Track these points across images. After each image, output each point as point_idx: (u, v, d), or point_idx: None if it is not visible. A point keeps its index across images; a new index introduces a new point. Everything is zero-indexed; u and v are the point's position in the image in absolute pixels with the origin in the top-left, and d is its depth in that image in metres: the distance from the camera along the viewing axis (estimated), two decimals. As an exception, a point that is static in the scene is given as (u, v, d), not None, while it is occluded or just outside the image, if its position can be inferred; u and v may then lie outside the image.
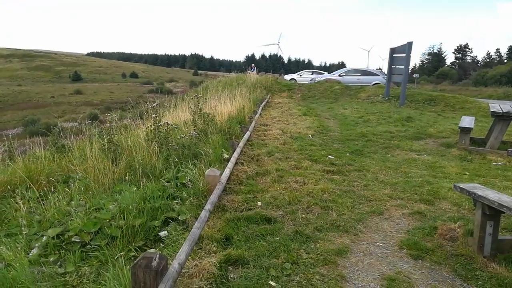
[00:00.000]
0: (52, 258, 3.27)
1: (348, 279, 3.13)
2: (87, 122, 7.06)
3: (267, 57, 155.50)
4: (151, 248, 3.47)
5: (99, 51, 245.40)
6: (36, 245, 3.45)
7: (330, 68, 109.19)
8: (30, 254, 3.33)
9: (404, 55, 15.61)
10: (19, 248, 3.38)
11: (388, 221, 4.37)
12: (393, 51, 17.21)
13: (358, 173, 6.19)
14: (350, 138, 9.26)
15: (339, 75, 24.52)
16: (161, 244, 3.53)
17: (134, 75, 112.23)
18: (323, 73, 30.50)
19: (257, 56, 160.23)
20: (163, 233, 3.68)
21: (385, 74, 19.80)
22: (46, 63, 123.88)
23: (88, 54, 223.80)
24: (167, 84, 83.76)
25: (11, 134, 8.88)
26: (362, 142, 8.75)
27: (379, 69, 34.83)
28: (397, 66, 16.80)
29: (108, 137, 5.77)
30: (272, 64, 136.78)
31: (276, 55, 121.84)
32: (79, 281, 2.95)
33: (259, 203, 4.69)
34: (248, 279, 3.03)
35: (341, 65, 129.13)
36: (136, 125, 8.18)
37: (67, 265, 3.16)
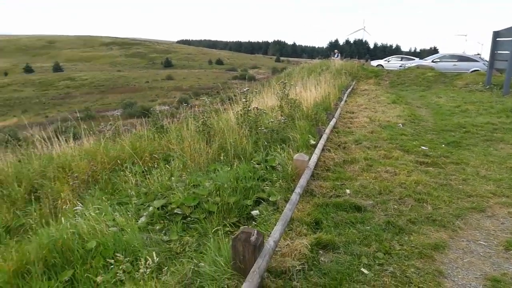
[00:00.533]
0: (158, 227, 3.62)
1: (447, 275, 2.97)
2: (183, 105, 7.54)
3: (352, 42, 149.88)
4: (244, 225, 3.65)
5: (188, 39, 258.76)
6: (144, 214, 3.84)
7: (421, 54, 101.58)
8: (139, 222, 3.72)
9: (510, 39, 13.92)
10: (129, 216, 3.79)
11: (491, 219, 4.02)
12: (496, 34, 15.42)
13: (455, 166, 5.76)
14: (446, 128, 8.61)
15: (433, 61, 22.69)
16: (253, 222, 3.69)
17: (219, 62, 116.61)
18: (414, 59, 28.50)
19: (341, 42, 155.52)
20: (255, 212, 3.84)
21: (486, 60, 17.90)
22: (142, 50, 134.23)
23: (178, 42, 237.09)
24: (250, 71, 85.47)
25: (115, 114, 9.88)
26: (460, 134, 8.08)
27: (478, 54, 31.51)
28: (501, 52, 15.05)
29: (203, 119, 6.11)
30: (357, 50, 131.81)
31: (361, 40, 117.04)
32: (182, 249, 3.24)
33: (348, 191, 4.63)
34: (340, 264, 3.05)
35: (434, 50, 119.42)
36: (224, 110, 8.56)
37: (171, 233, 3.48)
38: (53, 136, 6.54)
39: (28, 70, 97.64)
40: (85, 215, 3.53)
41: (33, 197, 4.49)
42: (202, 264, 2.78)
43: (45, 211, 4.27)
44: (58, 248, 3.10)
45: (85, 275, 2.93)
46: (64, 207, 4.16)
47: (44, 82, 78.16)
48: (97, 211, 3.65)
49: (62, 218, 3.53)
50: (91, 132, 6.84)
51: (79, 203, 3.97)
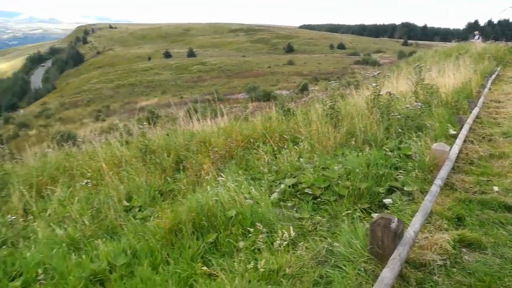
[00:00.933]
0: (289, 204, 3.77)
1: None
2: (310, 90, 7.60)
3: (495, 23, 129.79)
4: (375, 212, 3.55)
5: (310, 24, 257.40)
6: (276, 190, 4.03)
7: None
8: (272, 197, 3.91)
9: None
10: (263, 191, 4.01)
11: None
12: None
13: None
14: None
15: None
16: (386, 211, 3.56)
17: (341, 46, 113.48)
18: None
19: (482, 23, 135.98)
20: (387, 201, 3.70)
21: None
22: (265, 36, 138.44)
23: (301, 27, 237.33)
24: (373, 55, 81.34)
25: (245, 97, 10.49)
26: None
27: None
28: None
29: (330, 103, 6.07)
30: (502, 31, 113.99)
31: (508, 20, 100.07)
32: (313, 228, 3.32)
33: (496, 188, 4.12)
34: (488, 266, 2.76)
35: None
36: (349, 94, 8.35)
37: (302, 212, 3.59)
38: (192, 115, 7.28)
39: (167, 55, 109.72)
40: (225, 186, 3.86)
41: (181, 166, 5.10)
42: (337, 244, 2.81)
43: (190, 179, 4.82)
44: (204, 212, 3.48)
45: (227, 239, 3.22)
46: (206, 177, 4.62)
47: (180, 66, 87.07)
48: (236, 184, 3.95)
49: (208, 187, 3.93)
50: (224, 112, 7.41)
51: (221, 174, 4.36)
